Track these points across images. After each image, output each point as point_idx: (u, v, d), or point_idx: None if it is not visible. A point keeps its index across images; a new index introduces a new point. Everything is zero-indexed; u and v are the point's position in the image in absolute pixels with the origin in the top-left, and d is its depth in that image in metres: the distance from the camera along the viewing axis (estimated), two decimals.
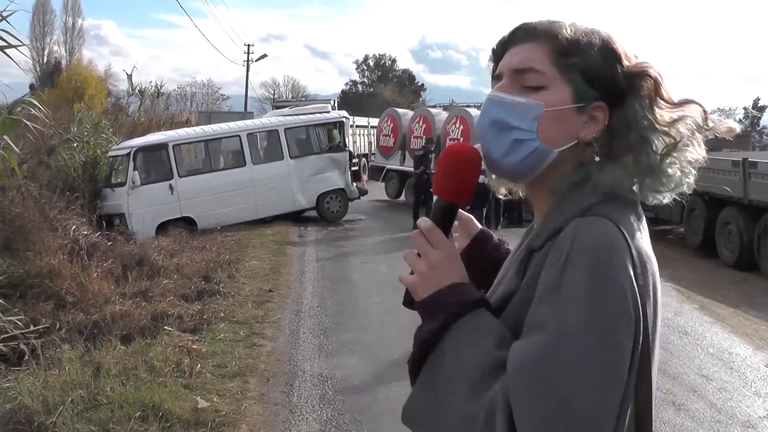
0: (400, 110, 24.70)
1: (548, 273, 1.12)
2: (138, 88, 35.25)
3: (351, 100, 65.65)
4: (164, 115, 31.22)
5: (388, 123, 23.65)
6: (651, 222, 16.86)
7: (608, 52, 1.25)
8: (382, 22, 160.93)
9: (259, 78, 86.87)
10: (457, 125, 19.88)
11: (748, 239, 11.91)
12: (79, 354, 6.19)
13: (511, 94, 1.25)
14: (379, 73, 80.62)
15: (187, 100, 56.00)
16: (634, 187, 1.26)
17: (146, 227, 13.53)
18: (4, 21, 5.80)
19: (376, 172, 23.32)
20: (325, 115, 17.11)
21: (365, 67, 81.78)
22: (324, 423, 5.15)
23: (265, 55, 53.44)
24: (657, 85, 1.25)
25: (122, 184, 13.94)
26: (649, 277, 1.17)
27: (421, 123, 21.50)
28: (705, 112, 1.28)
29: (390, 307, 8.58)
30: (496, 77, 1.32)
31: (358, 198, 17.44)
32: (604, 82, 1.24)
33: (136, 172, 13.89)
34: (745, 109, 72.19)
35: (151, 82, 45.21)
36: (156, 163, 14.61)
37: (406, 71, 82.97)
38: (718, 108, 76.98)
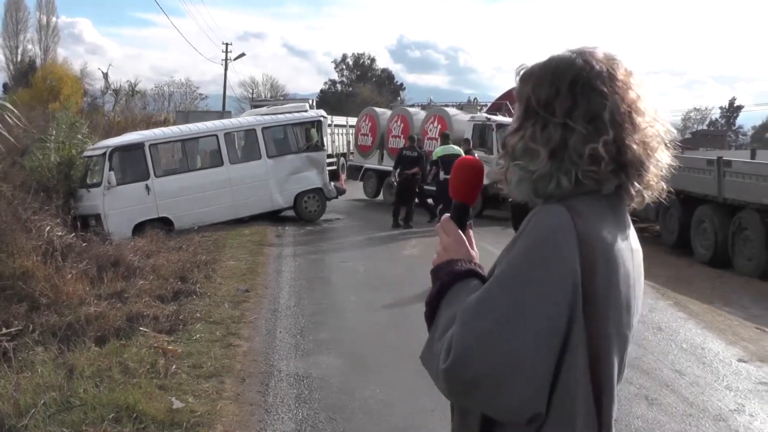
0: (378, 110, 24.68)
1: (509, 243, 1.46)
2: (113, 87, 34.92)
3: (330, 100, 65.58)
4: (140, 114, 30.91)
5: (367, 122, 23.62)
6: None
7: (544, 78, 1.51)
8: (360, 21, 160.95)
9: (237, 77, 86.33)
10: (435, 124, 19.93)
11: (722, 237, 12.04)
12: (53, 356, 6.14)
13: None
14: (358, 73, 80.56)
15: (165, 99, 55.67)
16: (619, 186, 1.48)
17: (122, 228, 13.41)
18: None
19: (355, 172, 23.29)
20: (303, 114, 17.04)
21: (344, 67, 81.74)
22: (299, 422, 5.14)
23: (243, 54, 53.40)
24: (576, 99, 1.46)
25: (98, 185, 13.81)
26: (601, 258, 1.38)
27: (399, 122, 21.52)
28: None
29: (367, 307, 8.62)
30: None
31: (336, 197, 17.41)
32: (532, 103, 1.50)
33: (112, 172, 13.76)
34: (721, 108, 73.20)
35: (128, 81, 44.90)
36: (132, 163, 14.47)
37: (385, 71, 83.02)
38: (695, 108, 78.11)
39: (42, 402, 4.89)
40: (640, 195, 1.50)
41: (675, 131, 1.56)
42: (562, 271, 1.35)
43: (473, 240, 1.66)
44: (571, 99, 1.44)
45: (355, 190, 21.67)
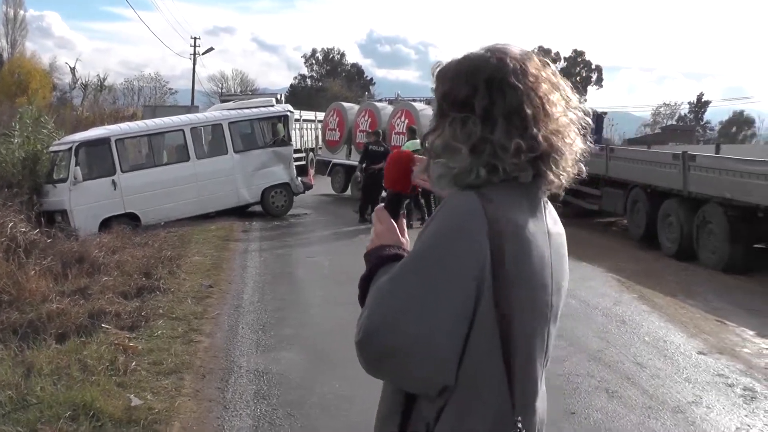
0: (345, 104, 24.59)
1: (423, 226, 1.56)
2: (80, 81, 34.50)
3: (300, 95, 65.35)
4: (108, 109, 30.58)
5: (334, 117, 23.52)
6: (595, 214, 17.15)
7: (454, 78, 1.61)
8: (330, 16, 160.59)
9: (207, 72, 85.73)
10: (402, 119, 19.89)
11: (687, 230, 12.15)
12: (12, 354, 6.07)
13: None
14: (328, 68, 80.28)
15: (135, 94, 55.21)
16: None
17: (89, 224, 13.29)
18: None
19: (322, 167, 23.18)
20: (270, 109, 16.94)
21: (314, 62, 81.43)
22: (257, 418, 5.11)
23: (211, 48, 53.02)
24: (490, 99, 1.54)
25: (64, 180, 13.67)
26: (510, 241, 1.47)
27: (366, 117, 21.45)
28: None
29: (332, 301, 8.58)
30: None
31: (303, 192, 17.38)
32: (449, 100, 1.60)
33: (78, 167, 13.62)
34: (689, 104, 73.95)
35: (97, 75, 44.39)
36: (98, 158, 14.33)
37: (354, 65, 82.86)
38: (664, 103, 78.69)
39: None
40: (558, 180, 1.60)
41: (589, 119, 1.65)
42: (469, 252, 1.45)
43: (405, 228, 1.78)
44: (489, 96, 1.52)
45: (324, 185, 21.62)
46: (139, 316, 7.58)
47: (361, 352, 1.49)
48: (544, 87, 1.56)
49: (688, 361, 6.64)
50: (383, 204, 1.83)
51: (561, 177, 1.60)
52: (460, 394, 1.48)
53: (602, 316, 8.14)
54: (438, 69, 1.65)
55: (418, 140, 15.72)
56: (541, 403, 1.65)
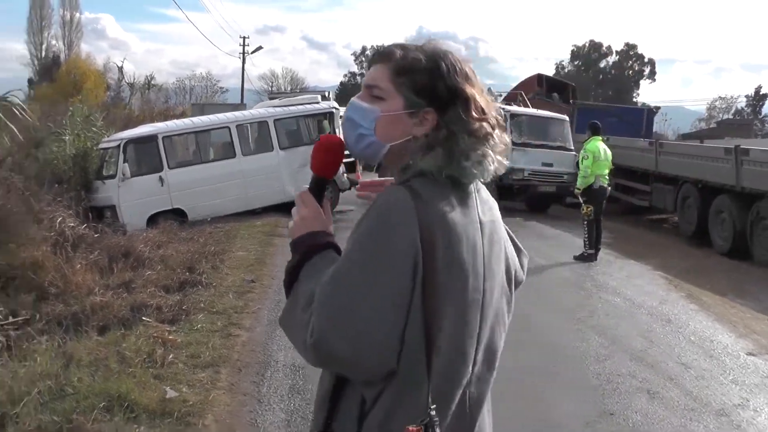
0: None
1: (358, 222, 1.60)
2: (127, 80, 35.19)
3: (350, 92, 65.48)
4: (157, 107, 31.07)
5: None
6: (645, 211, 16.84)
7: (433, 70, 1.66)
8: (379, 13, 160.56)
9: (258, 71, 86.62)
10: None
11: (741, 227, 11.86)
12: (55, 345, 6.16)
13: (362, 101, 1.73)
14: None
15: (186, 93, 56.02)
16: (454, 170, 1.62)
17: (137, 219, 13.48)
18: None
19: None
20: (315, 105, 16.93)
21: (363, 59, 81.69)
22: (290, 413, 5.10)
23: (260, 47, 53.56)
24: (467, 97, 1.65)
25: (113, 177, 13.88)
26: (439, 233, 1.55)
27: None
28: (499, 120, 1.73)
29: None
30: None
31: (349, 189, 17.35)
32: (427, 93, 1.65)
33: (126, 164, 13.83)
34: (747, 97, 72.04)
35: (146, 75, 45.22)
36: (146, 155, 14.52)
37: None
38: (720, 97, 76.96)
39: (36, 390, 4.90)
40: (486, 173, 1.67)
41: (500, 117, 1.75)
42: (403, 245, 1.52)
43: (330, 212, 1.78)
44: (439, 96, 1.66)
45: None
46: (180, 310, 7.65)
47: (315, 353, 1.54)
48: (477, 88, 1.71)
49: (736, 362, 6.43)
50: (307, 187, 1.78)
51: (489, 169, 1.67)
52: (397, 379, 1.55)
53: (647, 315, 7.94)
54: (398, 64, 1.72)
55: None
56: (479, 387, 1.70)
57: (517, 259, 1.91)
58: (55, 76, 43.16)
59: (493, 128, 1.69)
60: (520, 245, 1.99)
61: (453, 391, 1.62)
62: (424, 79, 1.65)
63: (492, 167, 1.67)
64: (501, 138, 1.70)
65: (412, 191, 1.57)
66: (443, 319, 1.56)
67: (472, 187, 1.69)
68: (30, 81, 49.56)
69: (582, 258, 11.20)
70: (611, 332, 7.10)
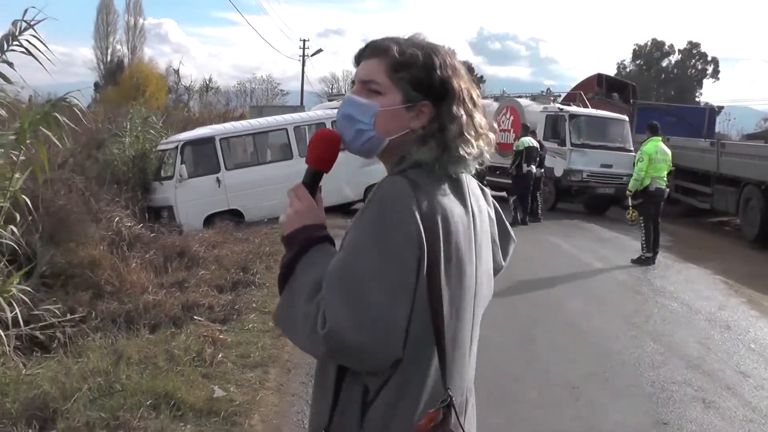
0: None
1: (359, 213, 1.63)
2: (183, 83, 35.84)
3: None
4: (215, 110, 31.52)
5: None
6: (706, 213, 16.43)
7: (428, 65, 1.70)
8: (439, 14, 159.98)
9: (317, 73, 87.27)
10: (508, 116, 19.63)
11: None
12: (108, 342, 6.26)
13: (360, 97, 1.73)
14: None
15: (247, 95, 56.73)
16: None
17: (194, 219, 13.64)
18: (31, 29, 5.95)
19: None
20: None
21: None
22: None
23: (320, 50, 53.94)
24: (460, 90, 1.71)
25: (170, 178, 14.09)
26: (439, 222, 1.59)
27: None
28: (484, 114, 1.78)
29: None
30: (352, 82, 1.80)
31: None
32: (425, 87, 1.70)
33: (184, 165, 14.02)
34: None
35: (206, 77, 46.05)
36: (203, 157, 14.70)
37: (465, 63, 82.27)
38: None
39: (87, 387, 4.98)
40: (474, 163, 1.73)
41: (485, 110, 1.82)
42: (409, 234, 1.54)
43: (322, 206, 1.80)
44: (435, 90, 1.71)
45: None
46: (232, 310, 7.71)
47: (327, 344, 1.52)
48: (467, 82, 1.77)
49: None
50: (302, 181, 1.79)
51: (478, 160, 1.75)
52: (403, 367, 1.58)
53: (705, 321, 7.69)
54: (396, 60, 1.74)
55: (530, 138, 15.47)
56: (470, 372, 1.84)
57: (498, 247, 1.98)
58: (119, 79, 44.24)
59: (482, 120, 1.75)
60: (510, 231, 2.09)
61: (458, 373, 1.71)
62: (421, 74, 1.70)
63: (483, 158, 1.74)
64: (490, 129, 1.77)
65: (411, 181, 1.61)
66: (445, 305, 1.60)
67: (463, 177, 1.74)
68: (96, 84, 50.96)
69: (640, 261, 10.95)
70: (667, 338, 6.89)
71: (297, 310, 1.60)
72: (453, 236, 1.62)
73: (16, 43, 6.00)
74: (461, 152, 1.68)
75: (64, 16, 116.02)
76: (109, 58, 54.54)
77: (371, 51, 1.76)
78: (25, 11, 5.94)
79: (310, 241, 1.67)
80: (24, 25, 5.95)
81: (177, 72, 38.11)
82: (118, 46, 55.58)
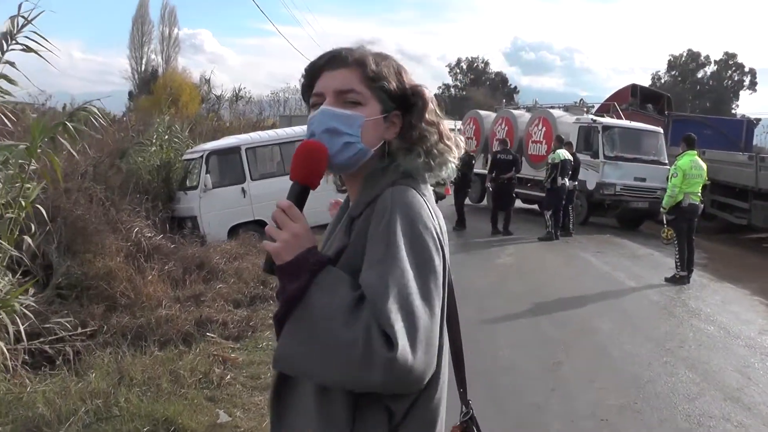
0: (482, 112, 24.13)
1: (377, 225, 1.54)
2: (213, 92, 36.01)
3: (444, 104, 65.38)
4: (244, 119, 31.51)
5: (471, 125, 23.16)
6: (744, 230, 15.90)
7: (399, 76, 1.73)
8: (474, 25, 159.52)
9: None
10: (540, 127, 19.26)
11: None
12: (114, 360, 6.04)
13: (343, 109, 1.66)
14: (472, 77, 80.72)
15: (280, 105, 56.87)
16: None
17: (217, 230, 13.46)
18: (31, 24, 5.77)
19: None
20: None
21: (458, 71, 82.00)
22: None
23: None
24: (427, 99, 1.74)
25: (195, 187, 13.95)
26: (440, 231, 1.64)
27: (503, 125, 20.95)
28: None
29: None
30: (315, 95, 1.73)
31: (436, 202, 16.98)
32: (398, 97, 1.71)
33: (209, 175, 13.85)
34: None
35: (244, 87, 46.22)
36: (229, 167, 14.52)
37: (498, 74, 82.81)
38: None
39: (84, 410, 4.74)
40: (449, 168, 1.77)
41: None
42: (435, 245, 1.56)
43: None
44: (406, 99, 1.73)
45: None
46: (247, 326, 7.50)
47: (387, 371, 1.39)
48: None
49: None
50: (287, 198, 1.62)
51: (438, 172, 1.77)
52: (430, 383, 1.52)
53: (744, 347, 7.25)
54: (371, 70, 1.72)
55: (565, 150, 15.09)
56: None
57: None
58: (152, 89, 44.53)
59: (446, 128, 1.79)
60: None
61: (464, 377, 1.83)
62: (396, 84, 1.70)
63: (450, 164, 1.77)
64: (455, 135, 1.81)
65: (417, 191, 1.64)
66: (451, 314, 1.71)
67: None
68: (130, 94, 51.51)
69: (673, 280, 10.52)
70: (703, 366, 6.48)
71: (329, 340, 1.44)
72: (445, 241, 1.66)
73: (14, 41, 5.78)
74: (445, 158, 1.73)
75: (101, 27, 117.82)
76: (143, 68, 55.19)
77: (339, 62, 1.70)
78: (20, 6, 5.71)
79: (318, 264, 1.52)
80: (22, 21, 5.73)
81: (208, 81, 38.19)
82: (153, 56, 56.22)
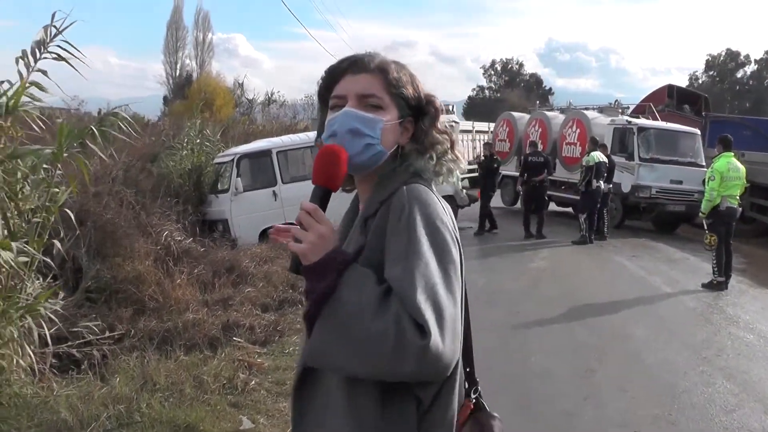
0: (515, 114, 23.87)
1: (396, 221, 1.61)
2: (245, 96, 36.27)
3: (478, 106, 65.42)
4: (276, 122, 31.58)
5: (504, 127, 22.95)
6: None
7: (415, 84, 1.81)
8: (508, 26, 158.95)
9: None
10: (574, 128, 18.99)
11: None
12: (141, 364, 6.01)
13: (365, 112, 1.73)
14: (507, 78, 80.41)
15: (314, 108, 57.09)
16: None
17: (248, 233, 13.47)
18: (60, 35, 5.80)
19: None
20: None
21: (492, 73, 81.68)
22: None
23: None
24: (438, 108, 1.84)
25: (227, 191, 13.98)
26: (451, 222, 1.71)
27: (537, 127, 20.72)
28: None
29: (478, 325, 7.99)
30: (336, 97, 1.78)
31: (469, 205, 16.83)
32: (413, 104, 1.80)
33: (239, 178, 13.86)
34: None
35: (278, 91, 46.41)
36: (260, 170, 14.52)
37: (533, 75, 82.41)
38: None
39: (106, 415, 4.71)
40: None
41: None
42: (452, 237, 1.65)
43: None
44: (420, 106, 1.83)
45: (494, 198, 20.93)
46: (274, 330, 7.44)
47: (418, 358, 1.44)
48: None
49: None
50: (313, 201, 1.65)
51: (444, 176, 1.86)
52: (454, 368, 1.57)
53: None
54: (393, 75, 1.80)
55: (599, 152, 14.84)
56: None
57: None
58: (187, 93, 44.91)
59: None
60: None
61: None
62: (413, 92, 1.79)
63: (456, 173, 1.87)
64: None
65: (429, 186, 1.74)
66: (464, 305, 1.77)
67: None
68: (165, 98, 52.01)
69: (711, 286, 10.24)
70: (742, 376, 6.26)
71: (360, 332, 1.48)
72: (458, 236, 1.74)
73: (46, 50, 5.81)
74: (454, 165, 1.83)
75: (136, 33, 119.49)
76: (177, 73, 55.67)
77: (362, 66, 1.78)
78: (53, 15, 5.74)
79: (346, 263, 1.57)
80: (54, 31, 5.75)
81: (240, 85, 38.44)
82: (187, 61, 56.69)
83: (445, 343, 1.46)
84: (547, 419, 5.29)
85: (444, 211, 1.68)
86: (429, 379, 1.55)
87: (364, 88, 1.75)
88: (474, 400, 1.83)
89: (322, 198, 1.65)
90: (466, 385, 1.82)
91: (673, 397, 5.75)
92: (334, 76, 1.80)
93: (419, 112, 1.81)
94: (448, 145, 1.83)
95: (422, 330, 1.43)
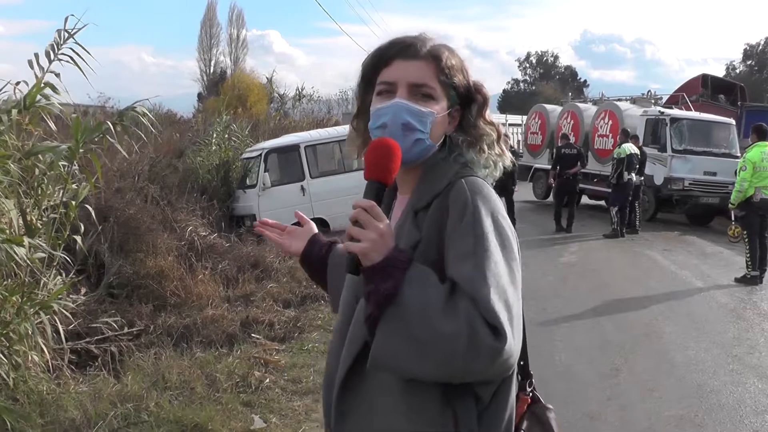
0: (548, 106, 23.52)
1: (459, 217, 1.55)
2: (276, 92, 36.38)
3: (513, 99, 64.97)
4: (306, 118, 31.53)
5: (536, 120, 22.64)
6: None
7: (465, 72, 1.73)
8: (543, 18, 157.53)
9: None
10: (606, 120, 18.65)
11: None
12: (155, 361, 5.96)
13: (417, 104, 1.65)
14: (542, 71, 79.75)
15: (348, 103, 57.17)
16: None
17: None
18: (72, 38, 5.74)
19: (524, 172, 22.14)
20: None
21: (527, 65, 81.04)
22: None
23: None
24: (486, 96, 1.76)
25: (254, 186, 13.95)
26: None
27: (569, 119, 20.39)
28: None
29: None
30: (384, 83, 1.68)
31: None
32: (462, 93, 1.72)
33: (267, 173, 13.81)
34: None
35: (312, 87, 46.53)
36: (288, 165, 14.47)
37: (568, 68, 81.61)
38: None
39: (113, 414, 4.65)
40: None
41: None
42: (512, 232, 1.59)
43: None
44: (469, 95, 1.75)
45: (526, 191, 20.69)
46: (294, 327, 7.36)
47: (494, 357, 1.41)
48: None
49: None
50: (368, 197, 1.54)
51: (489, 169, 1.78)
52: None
53: None
54: (445, 60, 1.71)
55: (631, 144, 14.53)
56: None
57: None
58: (221, 90, 45.16)
59: None
60: None
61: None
62: (463, 80, 1.71)
63: (501, 165, 1.76)
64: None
65: (486, 181, 1.68)
66: None
67: None
68: (199, 95, 52.37)
69: (744, 280, 9.95)
70: None
71: (428, 334, 1.42)
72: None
73: (61, 52, 5.78)
74: (501, 158, 1.75)
75: (171, 31, 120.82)
76: (212, 70, 56.05)
77: (413, 52, 1.68)
78: (66, 19, 5.71)
79: (408, 262, 1.50)
80: (66, 34, 5.72)
81: (270, 81, 38.50)
82: (222, 58, 57.02)
83: (516, 341, 1.44)
84: (567, 421, 5.10)
85: (502, 205, 1.64)
86: (497, 377, 1.53)
87: (417, 77, 1.66)
88: (530, 393, 1.81)
89: (377, 193, 1.55)
90: (520, 378, 1.78)
91: (701, 398, 5.54)
92: (384, 58, 1.71)
93: (467, 100, 1.73)
94: (495, 137, 1.75)
95: (496, 331, 1.40)
